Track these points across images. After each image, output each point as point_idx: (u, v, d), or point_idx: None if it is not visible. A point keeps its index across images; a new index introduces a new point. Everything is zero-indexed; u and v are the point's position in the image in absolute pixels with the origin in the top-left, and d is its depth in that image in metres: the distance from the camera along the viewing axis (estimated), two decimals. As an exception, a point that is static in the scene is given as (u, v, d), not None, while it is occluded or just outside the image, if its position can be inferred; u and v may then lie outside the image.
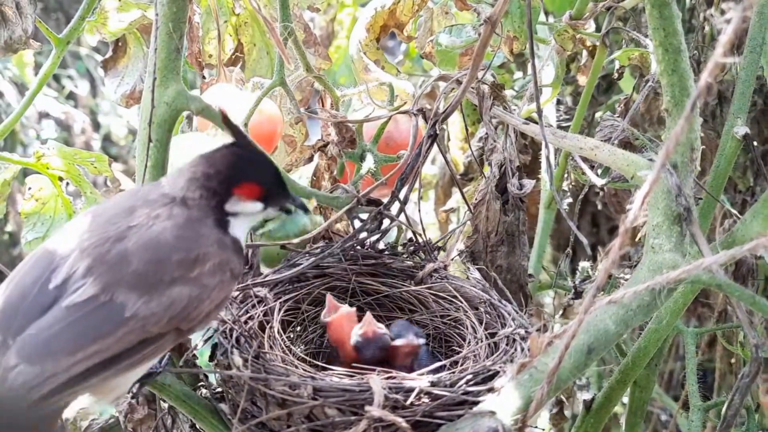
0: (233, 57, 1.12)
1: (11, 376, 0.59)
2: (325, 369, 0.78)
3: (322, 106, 1.01)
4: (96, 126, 2.96)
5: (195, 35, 1.05)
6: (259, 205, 0.71)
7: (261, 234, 0.78)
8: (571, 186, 1.22)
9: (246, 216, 0.71)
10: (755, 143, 1.35)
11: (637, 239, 0.99)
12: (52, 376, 0.60)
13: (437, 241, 0.98)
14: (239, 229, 0.71)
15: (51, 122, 2.76)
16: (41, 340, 0.60)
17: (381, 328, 0.82)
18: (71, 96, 2.97)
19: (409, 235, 0.97)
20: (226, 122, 0.70)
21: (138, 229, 0.65)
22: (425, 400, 0.69)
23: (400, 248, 0.96)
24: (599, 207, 1.57)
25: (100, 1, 1.01)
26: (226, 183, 0.69)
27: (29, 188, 0.98)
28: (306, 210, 0.76)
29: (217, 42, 1.08)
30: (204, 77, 1.09)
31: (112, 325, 0.61)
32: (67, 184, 0.99)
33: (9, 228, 2.61)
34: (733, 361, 1.42)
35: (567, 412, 1.37)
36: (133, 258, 0.63)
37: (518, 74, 1.52)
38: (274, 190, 0.72)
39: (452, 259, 0.99)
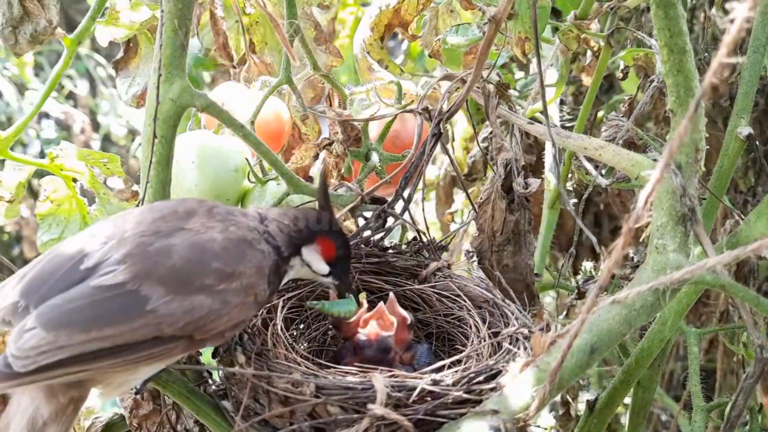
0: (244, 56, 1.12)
1: (25, 336, 0.61)
2: (328, 367, 0.78)
3: (329, 104, 1.01)
4: (95, 126, 2.96)
5: (219, 28, 1.05)
6: (325, 268, 0.76)
7: (314, 303, 0.84)
8: (575, 186, 1.21)
9: (305, 270, 0.76)
10: (758, 143, 1.35)
11: (640, 239, 0.99)
12: (62, 347, 0.61)
13: (441, 240, 0.98)
14: (288, 274, 0.75)
15: (51, 122, 2.76)
16: (62, 311, 0.62)
17: (391, 326, 0.82)
18: (71, 96, 2.97)
19: (413, 233, 0.97)
20: (322, 193, 0.76)
21: (188, 232, 0.67)
22: (428, 398, 0.69)
23: (404, 247, 0.97)
24: (602, 207, 1.57)
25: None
26: (315, 231, 0.74)
27: (44, 190, 0.99)
28: (357, 300, 0.82)
29: (235, 37, 1.08)
30: (234, 67, 1.09)
31: (130, 314, 0.63)
32: (81, 185, 1.00)
33: (8, 228, 2.62)
34: (735, 360, 1.42)
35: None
36: (174, 254, 0.65)
37: (519, 74, 1.52)
38: (341, 266, 0.77)
39: (456, 259, 0.98)
